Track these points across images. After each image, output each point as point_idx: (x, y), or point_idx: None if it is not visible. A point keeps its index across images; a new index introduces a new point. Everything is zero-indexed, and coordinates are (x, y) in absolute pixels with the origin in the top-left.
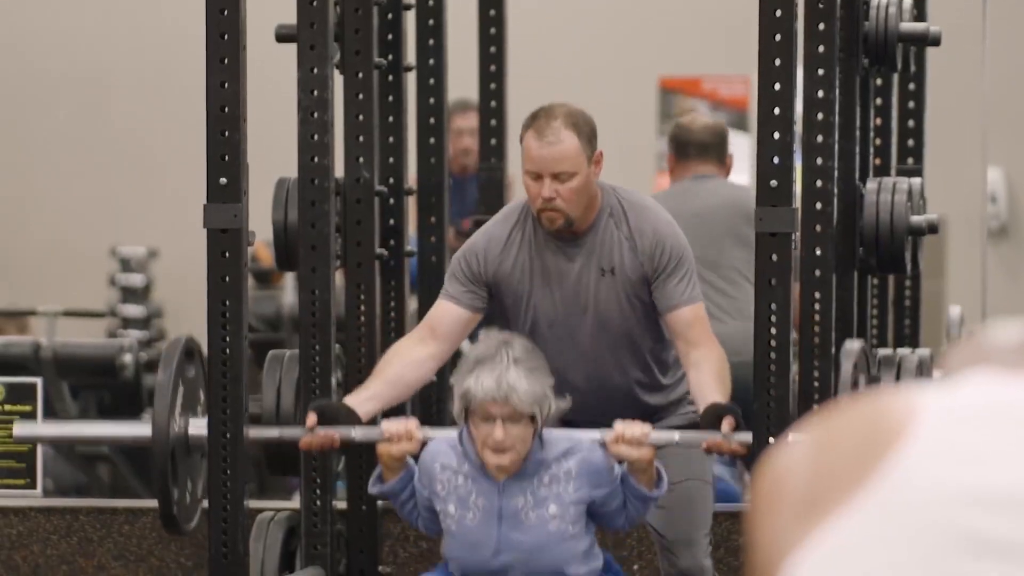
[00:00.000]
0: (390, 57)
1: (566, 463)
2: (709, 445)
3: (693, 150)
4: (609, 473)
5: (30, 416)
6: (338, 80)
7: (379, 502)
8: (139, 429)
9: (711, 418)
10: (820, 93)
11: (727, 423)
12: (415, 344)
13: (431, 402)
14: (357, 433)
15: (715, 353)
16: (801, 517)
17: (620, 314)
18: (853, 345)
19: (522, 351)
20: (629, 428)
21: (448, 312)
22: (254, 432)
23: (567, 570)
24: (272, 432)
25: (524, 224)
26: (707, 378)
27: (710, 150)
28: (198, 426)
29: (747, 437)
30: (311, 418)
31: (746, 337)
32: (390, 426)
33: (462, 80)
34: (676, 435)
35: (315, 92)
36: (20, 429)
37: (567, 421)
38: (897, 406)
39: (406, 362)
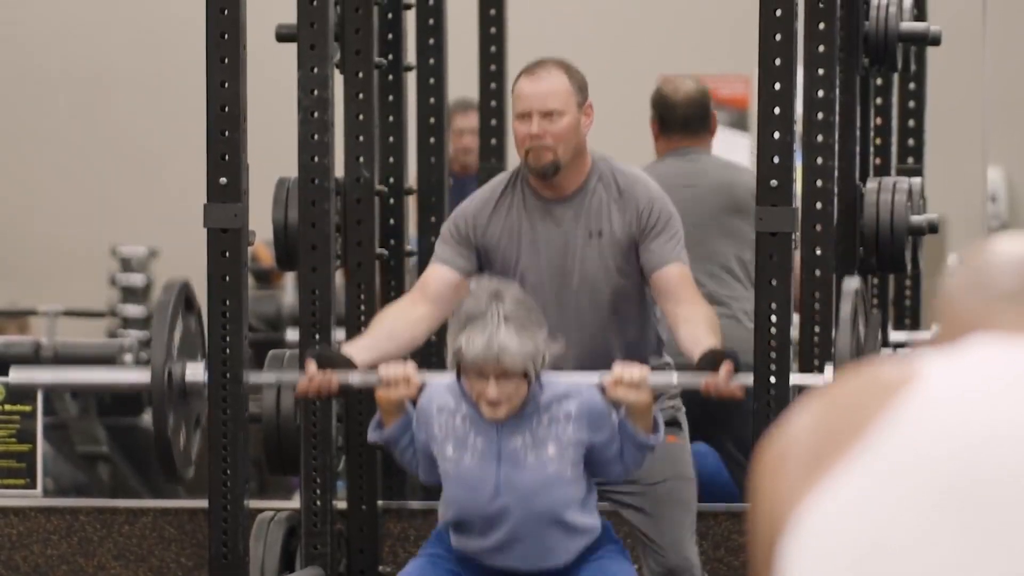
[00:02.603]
0: (390, 57)
1: (566, 405)
2: (707, 385)
3: (677, 125)
4: (607, 417)
5: (30, 416)
6: (338, 80)
7: (379, 502)
8: (137, 375)
9: (708, 361)
10: (820, 93)
11: (725, 367)
12: (407, 305)
13: (430, 344)
14: (355, 378)
15: (704, 309)
16: (805, 475)
17: (607, 281)
18: (852, 283)
19: (513, 306)
20: (628, 371)
21: (439, 275)
22: (252, 377)
23: (565, 515)
24: (269, 378)
25: (514, 189)
26: (700, 329)
27: (693, 123)
28: (195, 371)
29: (747, 379)
30: (310, 365)
31: (727, 335)
32: (388, 371)
33: (462, 79)
34: (675, 377)
35: (315, 92)
36: (17, 374)
37: None
38: (899, 369)
39: (398, 320)
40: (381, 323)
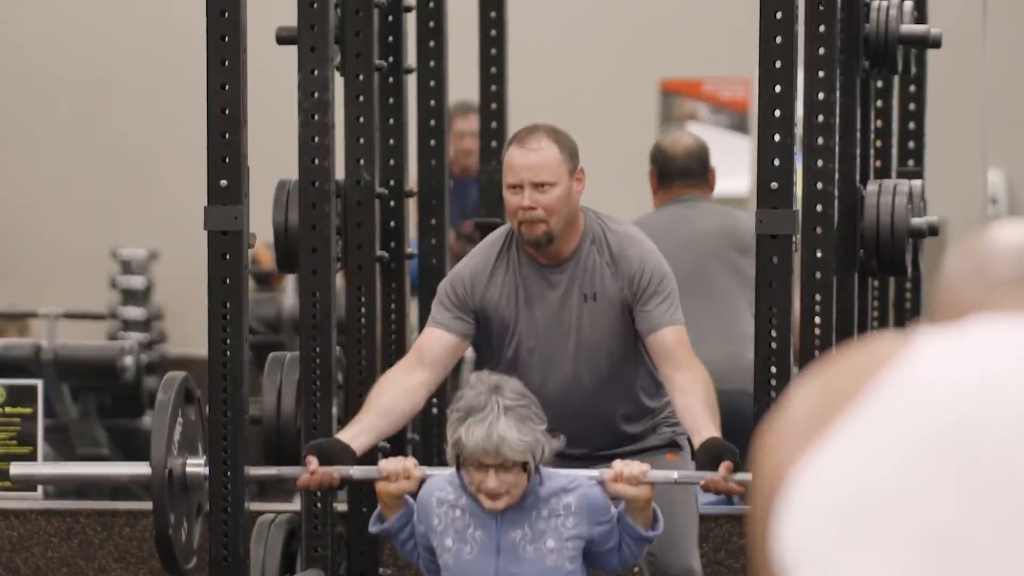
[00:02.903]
0: (391, 59)
1: (565, 498)
2: (707, 485)
3: (677, 176)
4: (607, 511)
5: (30, 419)
6: (339, 82)
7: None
8: (137, 468)
9: (709, 457)
10: (821, 95)
11: (724, 466)
12: (405, 373)
13: (432, 438)
14: (356, 472)
15: (700, 376)
16: (800, 442)
17: (603, 341)
18: None
19: (513, 398)
20: (628, 467)
21: (436, 339)
22: (253, 471)
23: None
24: (271, 471)
25: (509, 251)
26: (696, 405)
27: (693, 174)
28: (195, 465)
29: (746, 477)
30: (311, 461)
31: (731, 365)
32: (388, 465)
33: (463, 82)
34: (675, 474)
35: (316, 94)
36: (18, 469)
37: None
38: (894, 340)
39: (397, 391)
40: (380, 394)
